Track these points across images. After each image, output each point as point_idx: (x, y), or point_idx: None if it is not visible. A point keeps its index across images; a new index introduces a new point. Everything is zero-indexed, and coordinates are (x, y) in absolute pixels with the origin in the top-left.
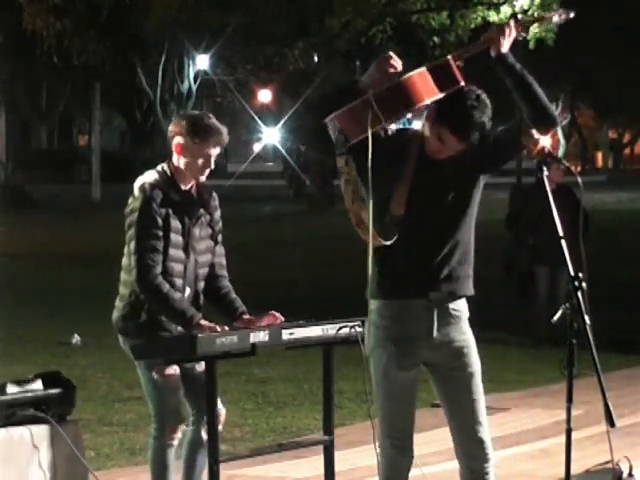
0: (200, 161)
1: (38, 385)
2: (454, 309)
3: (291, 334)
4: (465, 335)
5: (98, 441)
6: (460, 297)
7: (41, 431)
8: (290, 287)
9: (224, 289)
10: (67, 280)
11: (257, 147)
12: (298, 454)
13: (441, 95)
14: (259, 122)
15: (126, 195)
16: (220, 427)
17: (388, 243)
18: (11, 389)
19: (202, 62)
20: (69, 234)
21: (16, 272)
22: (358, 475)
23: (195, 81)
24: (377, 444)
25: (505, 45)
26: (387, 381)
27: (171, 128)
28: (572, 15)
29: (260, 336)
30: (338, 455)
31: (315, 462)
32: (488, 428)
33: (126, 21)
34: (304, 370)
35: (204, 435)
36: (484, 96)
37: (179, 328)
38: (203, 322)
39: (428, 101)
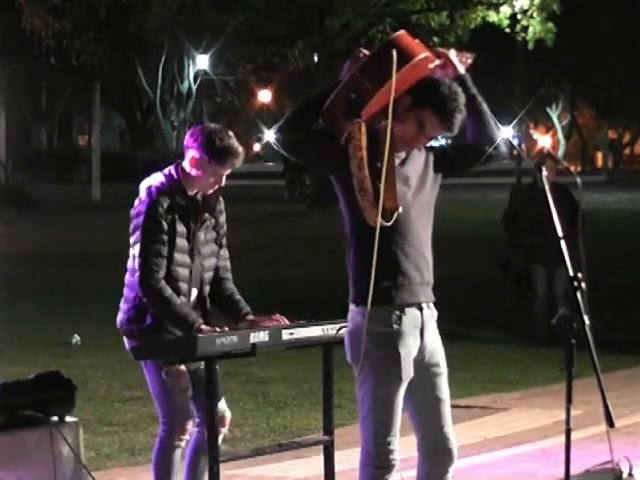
0: (211, 179)
1: (38, 385)
2: (433, 309)
3: (291, 334)
4: (438, 336)
5: (98, 441)
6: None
7: (41, 431)
8: (290, 287)
9: (228, 290)
10: (67, 280)
11: (257, 147)
12: (298, 454)
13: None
14: (259, 122)
15: (126, 195)
16: (225, 430)
17: (387, 224)
18: (11, 389)
19: (202, 62)
20: (69, 234)
21: (16, 272)
22: (358, 475)
23: (195, 81)
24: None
25: (460, 67)
26: (391, 387)
27: (188, 139)
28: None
29: (260, 336)
30: (338, 455)
31: (315, 462)
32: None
33: (126, 21)
34: (304, 370)
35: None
36: (459, 88)
37: None
38: (204, 327)
39: (423, 54)
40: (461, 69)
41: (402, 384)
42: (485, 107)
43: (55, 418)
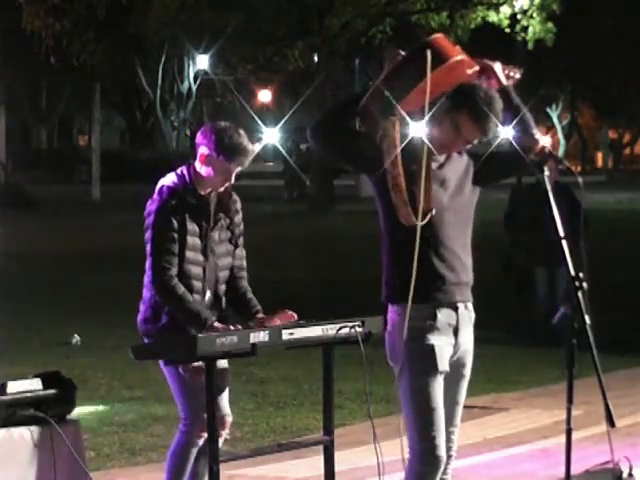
0: (221, 176)
1: (38, 385)
2: (471, 310)
3: (291, 334)
4: (472, 339)
5: (98, 441)
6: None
7: (41, 431)
8: (290, 287)
9: (241, 289)
10: (67, 280)
11: (257, 147)
12: (298, 454)
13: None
14: (259, 122)
15: (126, 195)
16: (226, 432)
17: (420, 224)
18: (11, 389)
19: (202, 62)
20: (69, 234)
21: (16, 272)
22: (358, 475)
23: (195, 81)
24: (406, 452)
25: (504, 80)
26: (427, 378)
27: (199, 136)
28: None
29: (260, 336)
30: (338, 455)
31: (315, 462)
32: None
33: (126, 21)
34: (304, 370)
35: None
36: (496, 94)
37: None
38: (217, 325)
39: (460, 57)
40: (505, 82)
41: (439, 376)
42: (529, 117)
43: (55, 418)
